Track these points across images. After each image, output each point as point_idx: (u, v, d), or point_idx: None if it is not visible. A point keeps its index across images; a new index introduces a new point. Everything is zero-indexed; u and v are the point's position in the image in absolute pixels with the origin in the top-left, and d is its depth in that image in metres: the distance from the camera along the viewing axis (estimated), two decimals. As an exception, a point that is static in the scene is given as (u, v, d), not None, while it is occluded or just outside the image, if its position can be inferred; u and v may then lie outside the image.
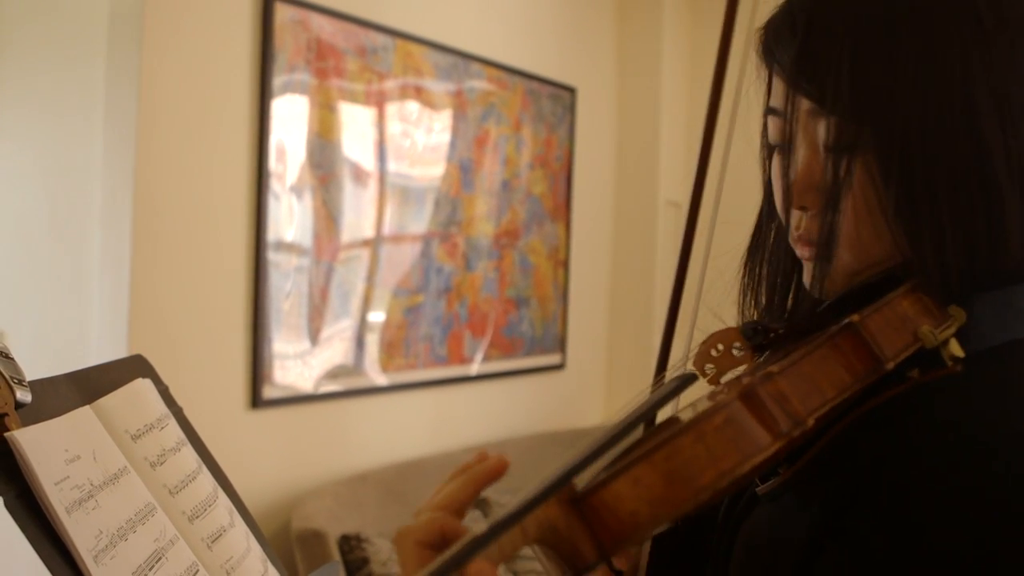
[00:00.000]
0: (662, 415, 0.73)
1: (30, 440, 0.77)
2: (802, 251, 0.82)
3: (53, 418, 0.83)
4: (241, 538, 1.00)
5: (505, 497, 3.47)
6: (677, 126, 4.48)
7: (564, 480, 0.62)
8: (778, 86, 0.80)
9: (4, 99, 3.01)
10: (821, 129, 0.76)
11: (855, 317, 0.72)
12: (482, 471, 0.69)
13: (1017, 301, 0.75)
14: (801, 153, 0.78)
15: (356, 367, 3.17)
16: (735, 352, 0.82)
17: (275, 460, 2.95)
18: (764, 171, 0.87)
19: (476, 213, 3.65)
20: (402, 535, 0.66)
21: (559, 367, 4.17)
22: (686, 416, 0.67)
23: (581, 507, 0.63)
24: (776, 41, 0.79)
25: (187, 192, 2.68)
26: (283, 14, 2.85)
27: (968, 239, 0.73)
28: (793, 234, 0.82)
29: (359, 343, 3.17)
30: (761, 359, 0.79)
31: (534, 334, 4.01)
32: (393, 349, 3.30)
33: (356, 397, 3.19)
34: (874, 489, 0.70)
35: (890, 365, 0.70)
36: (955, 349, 0.72)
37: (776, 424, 0.65)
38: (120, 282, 2.58)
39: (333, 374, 3.09)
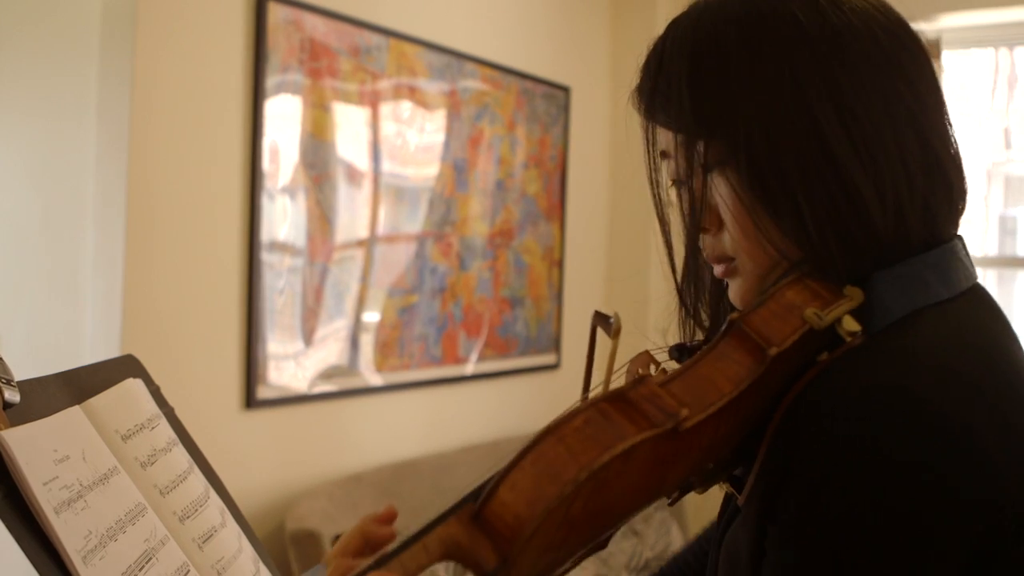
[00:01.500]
0: None
1: (18, 440, 0.76)
2: (717, 269, 0.89)
3: (42, 418, 0.82)
4: (232, 538, 1.00)
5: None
6: (671, 125, 4.48)
7: (461, 504, 0.71)
8: (660, 132, 0.90)
9: (-4, 100, 3.01)
10: (694, 154, 0.84)
11: (734, 315, 0.79)
12: (371, 516, 0.83)
13: (916, 271, 0.80)
14: (694, 182, 0.86)
15: (350, 367, 3.17)
16: (653, 372, 0.86)
17: (269, 461, 2.94)
18: (655, 207, 0.95)
19: (470, 213, 3.64)
20: None
21: (554, 367, 4.17)
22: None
23: (479, 521, 0.71)
24: (640, 92, 0.91)
25: (180, 193, 2.68)
26: (276, 14, 2.85)
27: (833, 220, 0.79)
28: (705, 255, 0.89)
29: (353, 343, 3.17)
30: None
31: (528, 334, 4.01)
32: (387, 349, 3.30)
33: (350, 397, 3.19)
34: (778, 474, 0.76)
35: (774, 351, 0.75)
36: (850, 325, 0.77)
37: (644, 418, 0.72)
38: (113, 282, 2.58)
39: (327, 374, 3.08)
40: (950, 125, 0.85)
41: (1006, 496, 0.73)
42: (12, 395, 0.80)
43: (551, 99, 4.08)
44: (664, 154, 0.91)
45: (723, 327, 0.79)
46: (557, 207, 4.16)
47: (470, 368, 3.69)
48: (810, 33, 0.80)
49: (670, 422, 0.72)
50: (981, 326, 0.81)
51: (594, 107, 4.38)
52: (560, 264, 4.19)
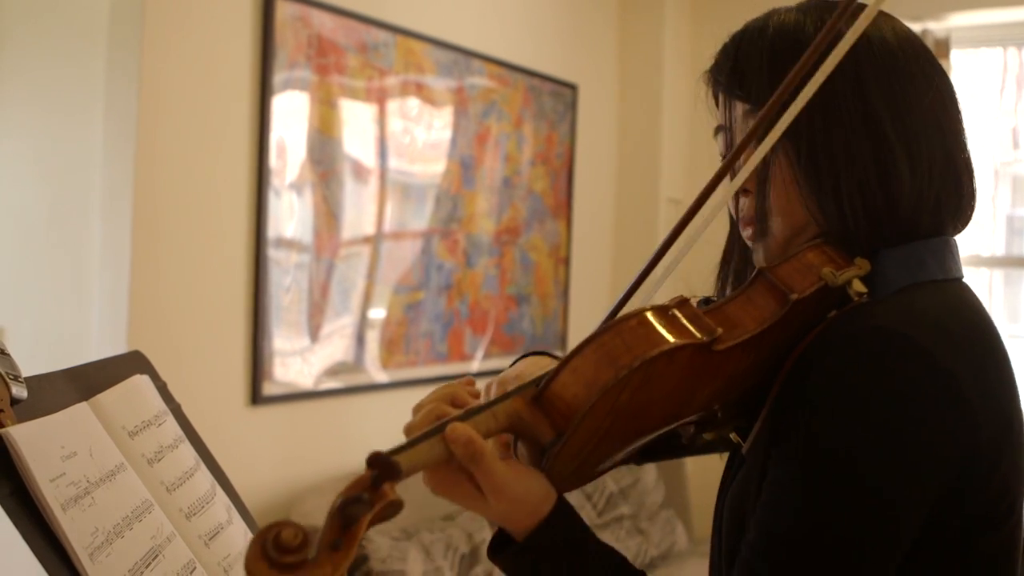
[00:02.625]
0: None
1: (25, 436, 0.76)
2: (747, 232, 1.01)
3: (49, 414, 0.82)
4: (239, 535, 1.00)
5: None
6: (678, 123, 4.48)
7: (526, 386, 0.84)
8: (722, 107, 1.03)
9: (4, 95, 3.01)
10: (750, 123, 0.96)
11: (763, 265, 0.92)
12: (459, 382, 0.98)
13: (918, 253, 0.93)
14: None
15: (356, 364, 3.17)
16: None
17: (275, 457, 2.95)
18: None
19: (477, 210, 3.64)
20: (408, 430, 0.93)
21: (560, 364, 4.16)
22: None
23: (539, 400, 0.83)
24: (717, 70, 1.03)
25: (187, 188, 2.68)
26: (284, 10, 2.84)
27: (865, 199, 0.92)
28: (740, 218, 1.01)
29: (359, 340, 3.17)
30: None
31: (535, 331, 4.01)
32: (393, 346, 3.30)
33: (356, 394, 3.19)
34: (784, 406, 0.89)
35: (795, 296, 0.88)
36: (858, 287, 0.90)
37: (683, 331, 0.84)
38: (120, 278, 2.58)
39: (333, 371, 3.08)
40: (967, 140, 0.99)
41: (980, 434, 0.85)
42: (19, 391, 0.80)
43: (558, 96, 4.07)
44: (721, 128, 1.03)
45: (751, 276, 0.92)
46: (564, 204, 4.15)
47: (476, 365, 3.69)
48: (875, 46, 0.95)
49: (707, 336, 0.84)
50: (969, 301, 0.94)
51: (601, 105, 4.37)
52: (567, 261, 4.18)
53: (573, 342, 4.21)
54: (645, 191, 4.42)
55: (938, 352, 0.84)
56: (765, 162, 0.95)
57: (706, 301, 0.98)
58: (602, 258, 4.44)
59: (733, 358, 0.86)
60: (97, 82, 2.74)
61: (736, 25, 1.05)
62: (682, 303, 0.87)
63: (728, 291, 1.08)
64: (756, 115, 0.95)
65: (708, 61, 1.08)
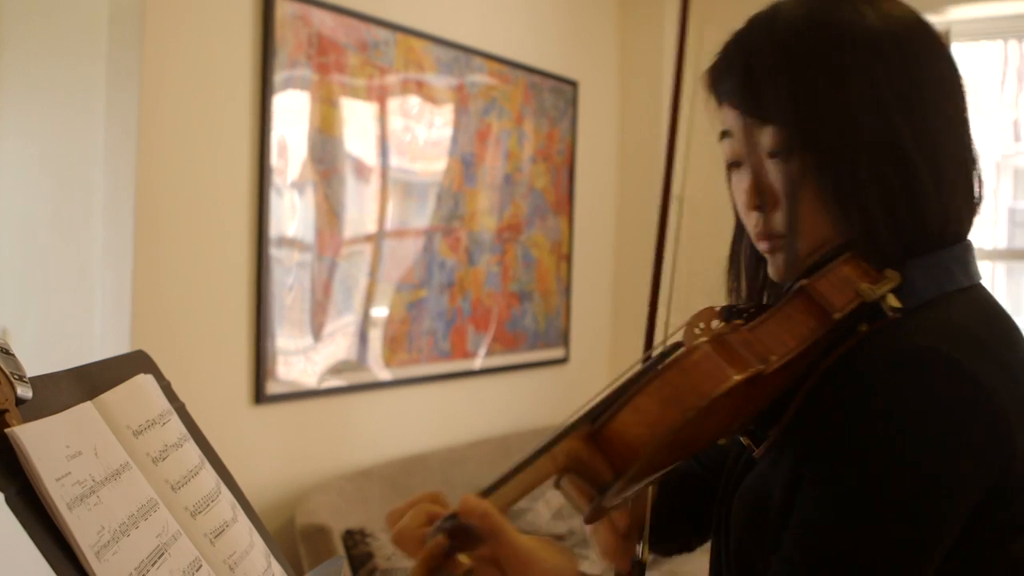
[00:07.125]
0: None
1: (31, 436, 0.77)
2: (763, 245, 0.99)
3: (54, 414, 0.82)
4: (244, 533, 1.00)
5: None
6: (680, 118, 4.47)
7: (580, 422, 0.83)
8: (727, 113, 0.99)
9: (6, 96, 3.01)
10: (764, 139, 0.94)
11: (804, 282, 0.90)
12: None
13: (944, 262, 0.93)
14: (752, 162, 0.97)
15: (359, 362, 3.17)
16: (714, 327, 0.96)
17: (279, 455, 2.95)
18: (729, 188, 1.04)
19: (478, 207, 3.64)
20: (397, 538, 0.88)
21: (562, 361, 4.16)
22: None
23: (597, 439, 0.82)
24: (720, 78, 1.01)
25: (189, 188, 2.68)
26: (284, 9, 2.85)
27: (891, 212, 0.91)
28: (754, 232, 0.99)
29: (362, 338, 3.17)
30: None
31: (537, 328, 4.01)
32: (396, 344, 3.30)
33: (359, 392, 3.19)
34: (827, 420, 0.87)
35: (837, 315, 0.88)
36: (892, 301, 0.89)
37: (742, 361, 0.85)
38: (123, 278, 2.58)
39: (336, 369, 3.09)
40: (972, 128, 0.97)
41: (1017, 442, 0.85)
42: (24, 391, 0.80)
43: (559, 93, 4.07)
44: (726, 134, 1.00)
45: (790, 291, 0.91)
46: (565, 201, 4.15)
47: (479, 363, 3.69)
48: (885, 49, 0.92)
49: (763, 365, 0.85)
50: (994, 306, 0.95)
51: (602, 101, 4.37)
52: (568, 258, 4.18)
53: (576, 338, 4.21)
54: (646, 187, 4.41)
55: (980, 371, 0.84)
56: (794, 180, 0.93)
57: (728, 310, 0.97)
58: (604, 254, 4.44)
59: (774, 377, 0.87)
60: (98, 82, 2.74)
61: (737, 17, 1.00)
62: (734, 329, 0.87)
63: (738, 294, 1.08)
64: (769, 129, 0.93)
65: (710, 56, 1.05)
